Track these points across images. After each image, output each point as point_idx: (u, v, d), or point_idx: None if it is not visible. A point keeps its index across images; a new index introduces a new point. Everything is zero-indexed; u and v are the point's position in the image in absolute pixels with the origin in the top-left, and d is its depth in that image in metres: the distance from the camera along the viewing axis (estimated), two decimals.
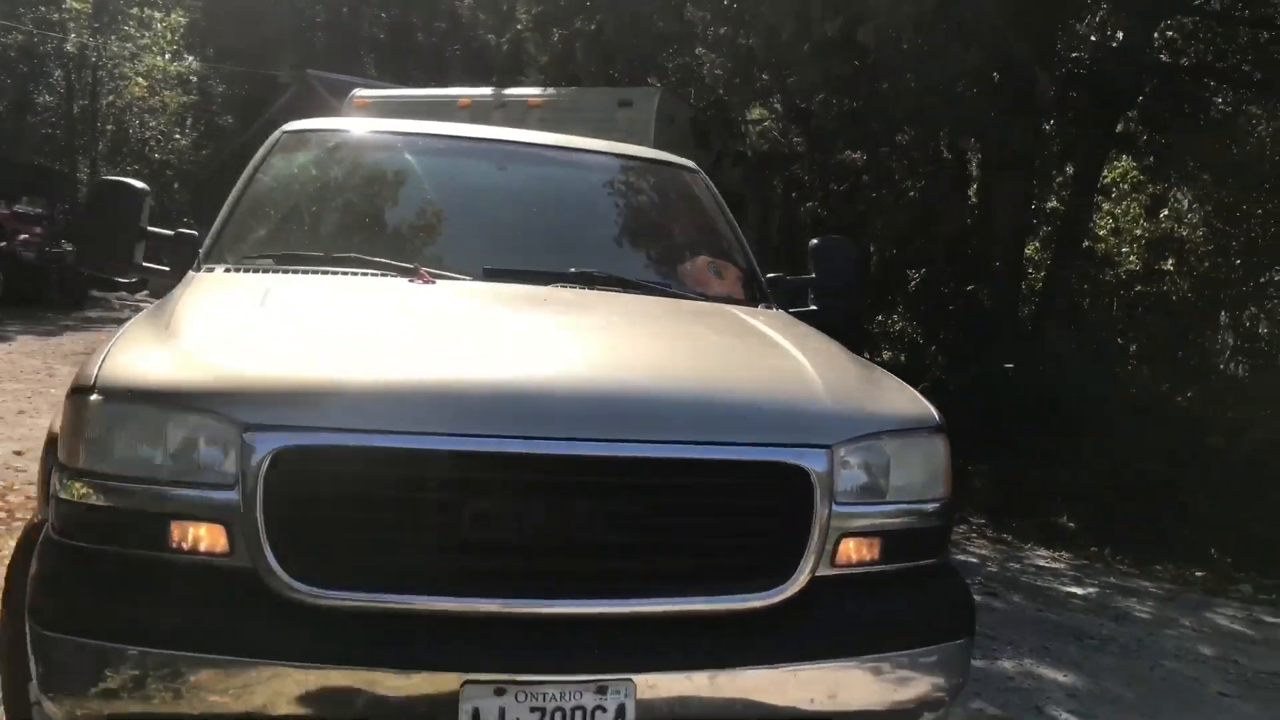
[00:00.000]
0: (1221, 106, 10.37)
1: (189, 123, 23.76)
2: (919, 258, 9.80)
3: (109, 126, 22.86)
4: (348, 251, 3.35)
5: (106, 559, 2.16)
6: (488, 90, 9.77)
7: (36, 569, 2.24)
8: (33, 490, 6.65)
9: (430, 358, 2.40)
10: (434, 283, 3.10)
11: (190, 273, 3.21)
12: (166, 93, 23.63)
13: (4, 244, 17.42)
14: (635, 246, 4.01)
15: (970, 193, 10.09)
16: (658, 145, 9.06)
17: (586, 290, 3.25)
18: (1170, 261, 13.66)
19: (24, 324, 15.40)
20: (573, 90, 9.67)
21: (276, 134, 3.93)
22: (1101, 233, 14.70)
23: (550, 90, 9.76)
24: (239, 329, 2.49)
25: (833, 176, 9.37)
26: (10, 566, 3.02)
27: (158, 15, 22.58)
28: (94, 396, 2.17)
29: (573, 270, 3.32)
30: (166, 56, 23.10)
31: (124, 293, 21.65)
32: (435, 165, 3.96)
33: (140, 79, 22.96)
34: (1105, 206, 14.58)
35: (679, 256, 3.92)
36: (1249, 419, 8.19)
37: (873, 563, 2.41)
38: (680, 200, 4.24)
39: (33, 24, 21.94)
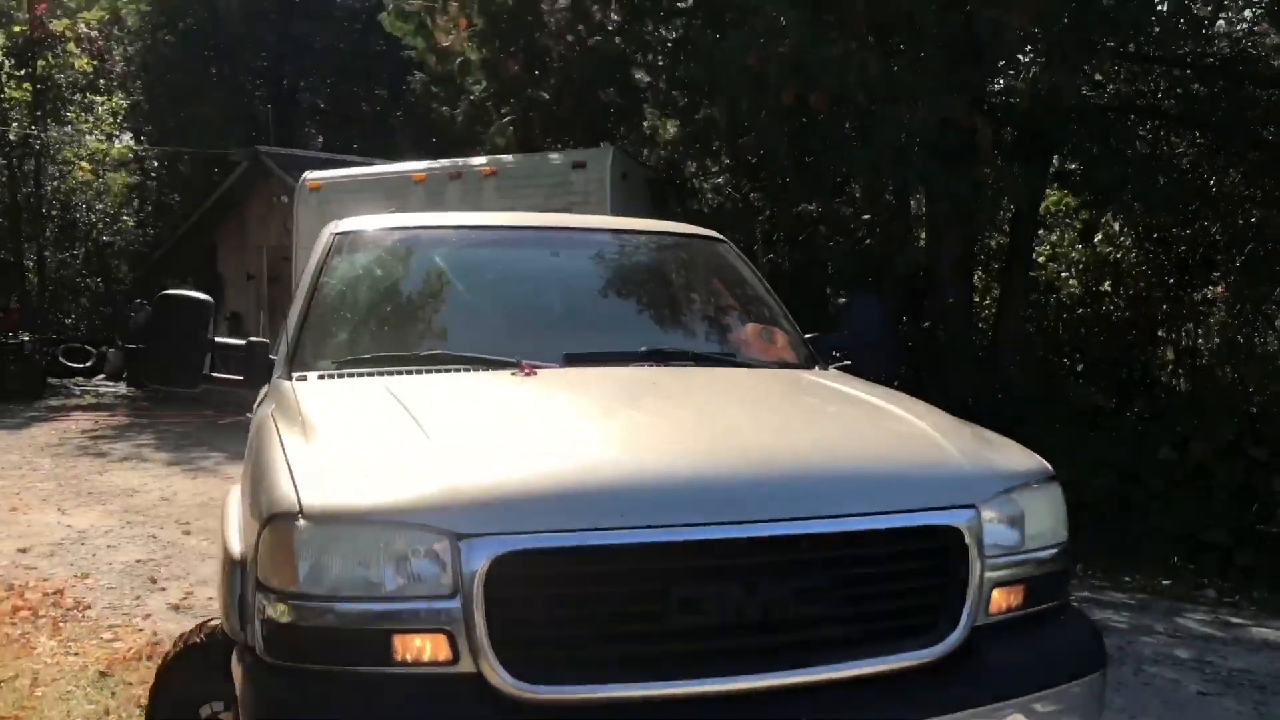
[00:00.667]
0: (1146, 138, 11.06)
1: (135, 203, 23.74)
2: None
3: (54, 212, 22.77)
4: (435, 349, 3.47)
5: (330, 678, 2.20)
6: (440, 162, 9.99)
7: (253, 693, 2.28)
8: (49, 586, 6.86)
9: (609, 452, 2.51)
10: (536, 373, 3.17)
11: (281, 382, 3.26)
12: (110, 174, 23.60)
13: None
14: (691, 320, 4.18)
15: (918, 233, 10.64)
16: (614, 205, 9.10)
17: (673, 368, 3.39)
18: (1108, 283, 14.35)
19: None
20: (524, 157, 9.88)
21: (327, 236, 4.04)
22: (1041, 259, 15.38)
23: (503, 158, 9.88)
24: (411, 439, 2.53)
25: (789, 228, 9.84)
26: (160, 685, 3.25)
27: (99, 99, 22.65)
28: (301, 523, 2.23)
29: (644, 349, 3.47)
30: (108, 139, 23.15)
31: (80, 378, 21.53)
32: (493, 257, 4.12)
33: (84, 163, 22.96)
34: (1041, 233, 15.27)
35: (732, 325, 4.09)
36: (1194, 430, 8.70)
37: (1019, 608, 2.62)
38: (719, 270, 4.38)
39: None
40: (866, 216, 9.90)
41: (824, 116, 7.89)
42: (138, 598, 6.67)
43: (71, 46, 22.75)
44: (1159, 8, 8.60)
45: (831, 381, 3.51)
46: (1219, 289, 12.07)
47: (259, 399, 3.58)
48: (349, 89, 23.78)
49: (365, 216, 4.43)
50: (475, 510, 2.21)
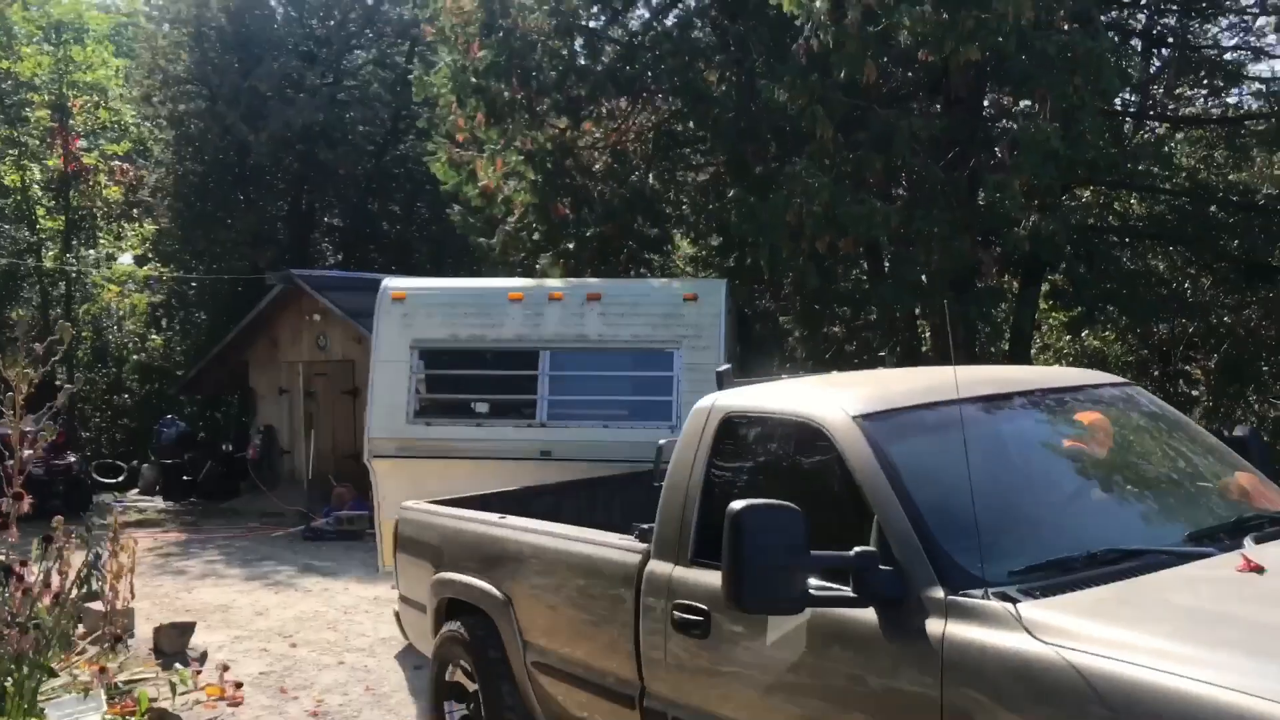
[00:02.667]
0: (1126, 257, 12.44)
1: (163, 323, 24.78)
2: None
3: (84, 334, 23.76)
4: (1094, 548, 3.15)
5: None
6: (539, 282, 9.50)
7: None
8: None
9: None
10: (1262, 568, 2.90)
11: (951, 598, 2.90)
12: (135, 295, 24.58)
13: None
14: (1206, 479, 3.89)
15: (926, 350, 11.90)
16: (725, 341, 8.71)
17: None
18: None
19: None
20: (631, 283, 9.77)
21: (707, 414, 4.09)
22: (1033, 351, 16.69)
23: (608, 283, 9.46)
24: None
25: (815, 347, 11.04)
26: None
27: (129, 226, 23.84)
28: None
29: (1233, 519, 3.41)
30: (136, 261, 24.24)
31: (114, 493, 22.26)
32: (999, 427, 3.88)
33: (112, 285, 23.98)
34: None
35: (1235, 479, 3.84)
36: None
37: None
38: (1163, 419, 4.24)
39: (6, 245, 23.04)
40: (886, 336, 11.07)
41: (851, 259, 9.13)
42: (275, 705, 7.45)
43: (102, 178, 24.04)
44: (1129, 149, 9.99)
45: None
46: (1199, 383, 13.35)
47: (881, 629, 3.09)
48: (365, 208, 25.02)
49: (753, 389, 4.40)
50: None
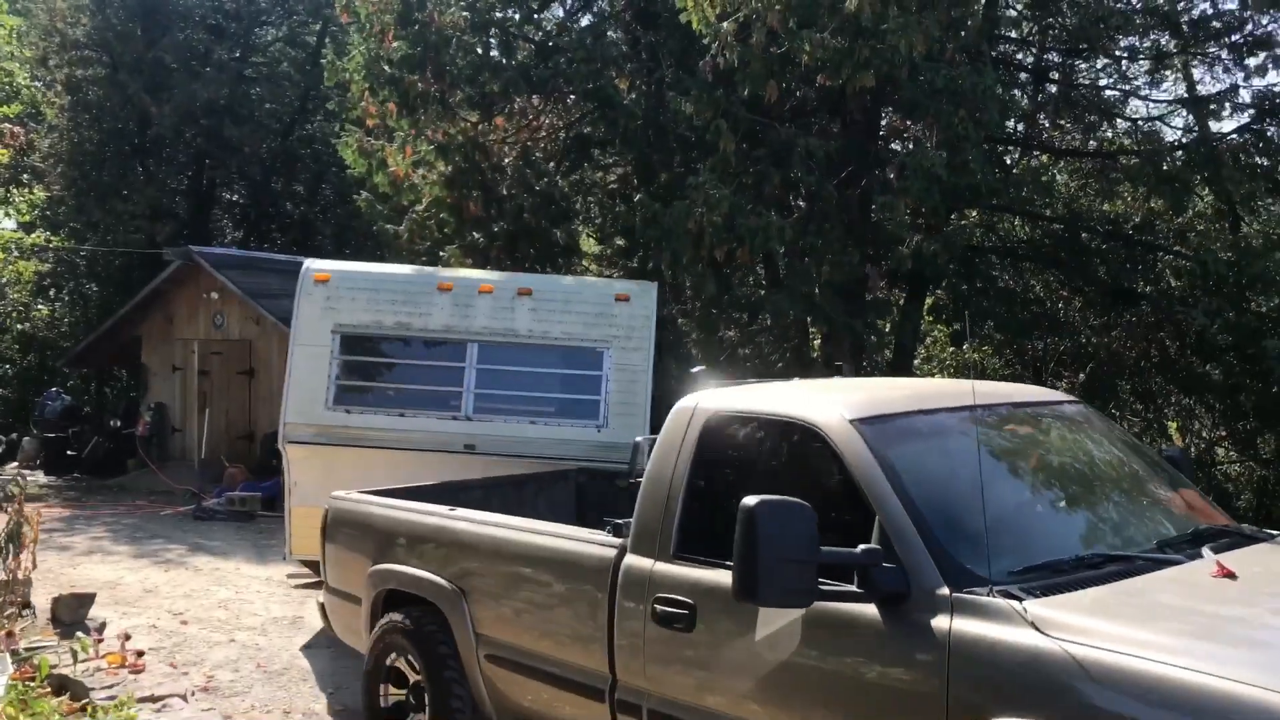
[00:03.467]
0: (1005, 277, 13.21)
1: (51, 293, 24.08)
2: None
3: None
4: (1093, 549, 3.45)
5: None
6: (469, 273, 9.26)
7: None
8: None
9: None
10: (1235, 575, 3.17)
11: (957, 595, 3.07)
12: (20, 262, 23.83)
13: None
14: (1158, 494, 4.20)
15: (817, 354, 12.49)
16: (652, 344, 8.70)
17: (1256, 549, 3.60)
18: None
19: None
20: (565, 280, 9.58)
21: (688, 414, 4.22)
22: (917, 362, 17.47)
23: (540, 278, 9.42)
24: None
25: (713, 351, 11.49)
26: None
27: (18, 192, 23.10)
28: None
29: (1191, 530, 3.72)
30: (19, 229, 23.48)
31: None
32: (1017, 440, 4.07)
33: None
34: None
35: (1171, 494, 4.16)
36: None
37: None
38: (1108, 436, 4.49)
39: None
40: (778, 343, 11.60)
41: (747, 267, 9.59)
42: (173, 674, 7.42)
43: None
44: (1012, 176, 10.66)
45: None
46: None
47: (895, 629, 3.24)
48: (268, 187, 24.69)
49: (734, 389, 4.57)
50: None
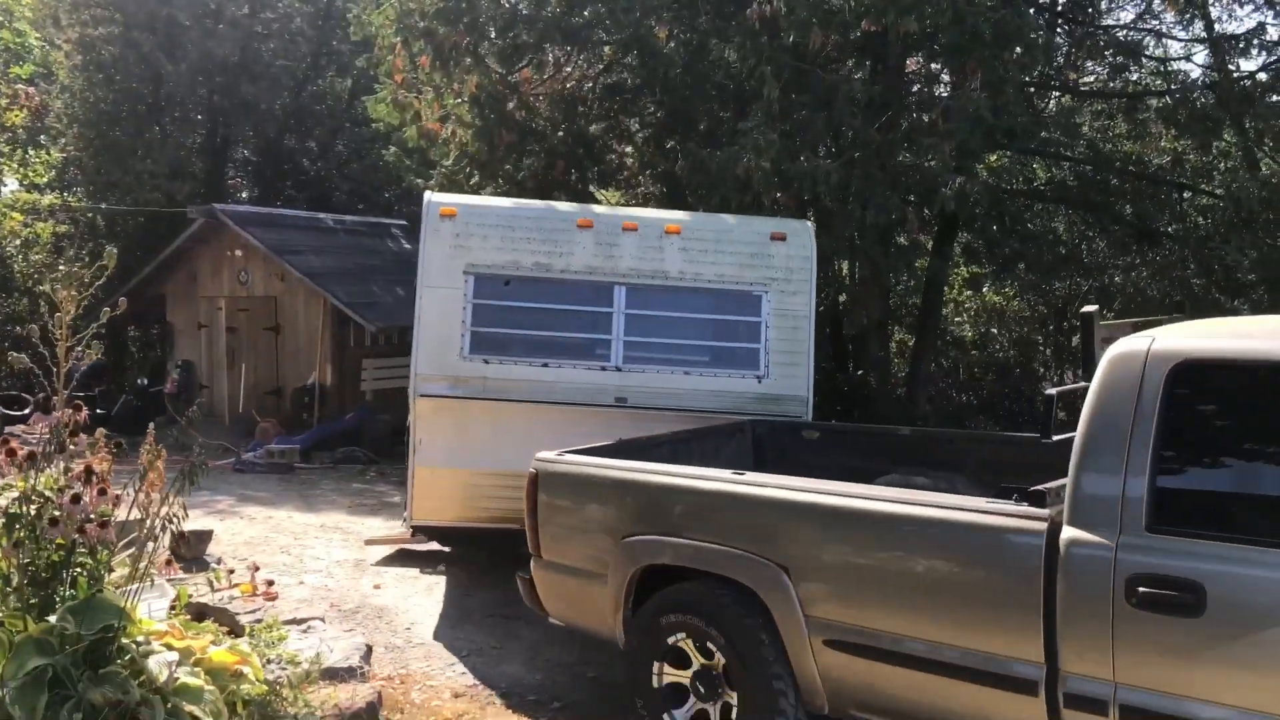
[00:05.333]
0: (1033, 219, 13.43)
1: (71, 254, 24.18)
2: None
3: None
4: None
5: None
6: (610, 210, 8.53)
7: None
8: None
9: None
10: None
11: None
12: (39, 224, 23.94)
13: None
14: None
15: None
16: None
17: None
18: (995, 327, 16.76)
19: None
20: (715, 218, 8.69)
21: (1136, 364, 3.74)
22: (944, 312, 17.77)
23: (691, 216, 8.59)
24: None
25: None
26: None
27: (35, 153, 23.12)
28: None
29: None
30: (35, 189, 23.53)
31: (21, 426, 21.82)
32: None
33: (15, 213, 23.31)
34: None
35: None
36: None
37: None
38: None
39: None
40: None
41: (789, 210, 9.79)
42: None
43: (4, 102, 23.19)
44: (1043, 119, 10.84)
45: None
46: None
47: None
48: (281, 144, 24.73)
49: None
50: None
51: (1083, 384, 4.11)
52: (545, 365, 7.65)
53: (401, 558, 9.59)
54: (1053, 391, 4.23)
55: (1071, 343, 14.94)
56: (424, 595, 8.46)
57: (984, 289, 16.46)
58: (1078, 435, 3.82)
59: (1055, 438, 4.06)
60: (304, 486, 14.20)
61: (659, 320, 7.79)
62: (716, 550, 4.66)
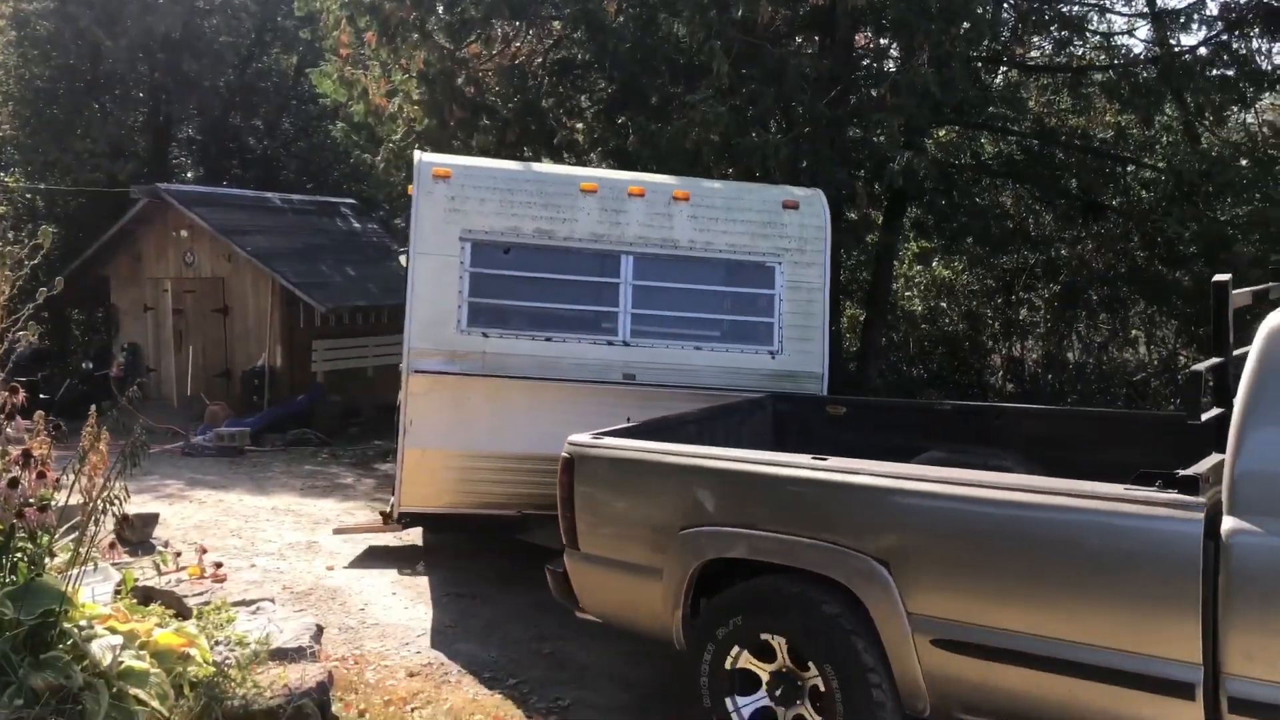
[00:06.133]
0: (980, 193, 13.57)
1: (10, 235, 23.64)
2: None
3: None
4: None
5: None
6: (614, 174, 8.00)
7: None
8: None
9: None
10: None
11: None
12: None
13: None
14: None
15: None
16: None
17: None
18: (944, 301, 16.93)
19: None
20: (727, 185, 8.23)
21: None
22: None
23: (701, 182, 8.10)
24: None
25: None
26: None
27: None
28: None
29: None
30: None
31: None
32: None
33: None
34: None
35: None
36: None
37: None
38: None
39: None
40: None
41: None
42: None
43: None
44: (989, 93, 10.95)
45: None
46: (1038, 310, 14.75)
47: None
48: (226, 122, 24.30)
49: None
50: None
51: (1215, 359, 3.91)
52: (549, 339, 7.23)
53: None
54: (1201, 368, 3.81)
55: (1019, 316, 15.16)
56: (378, 576, 8.41)
57: (933, 263, 16.60)
58: (1236, 414, 3.57)
59: (1203, 417, 3.80)
60: (255, 469, 14.05)
61: (668, 292, 7.40)
62: (802, 544, 4.32)
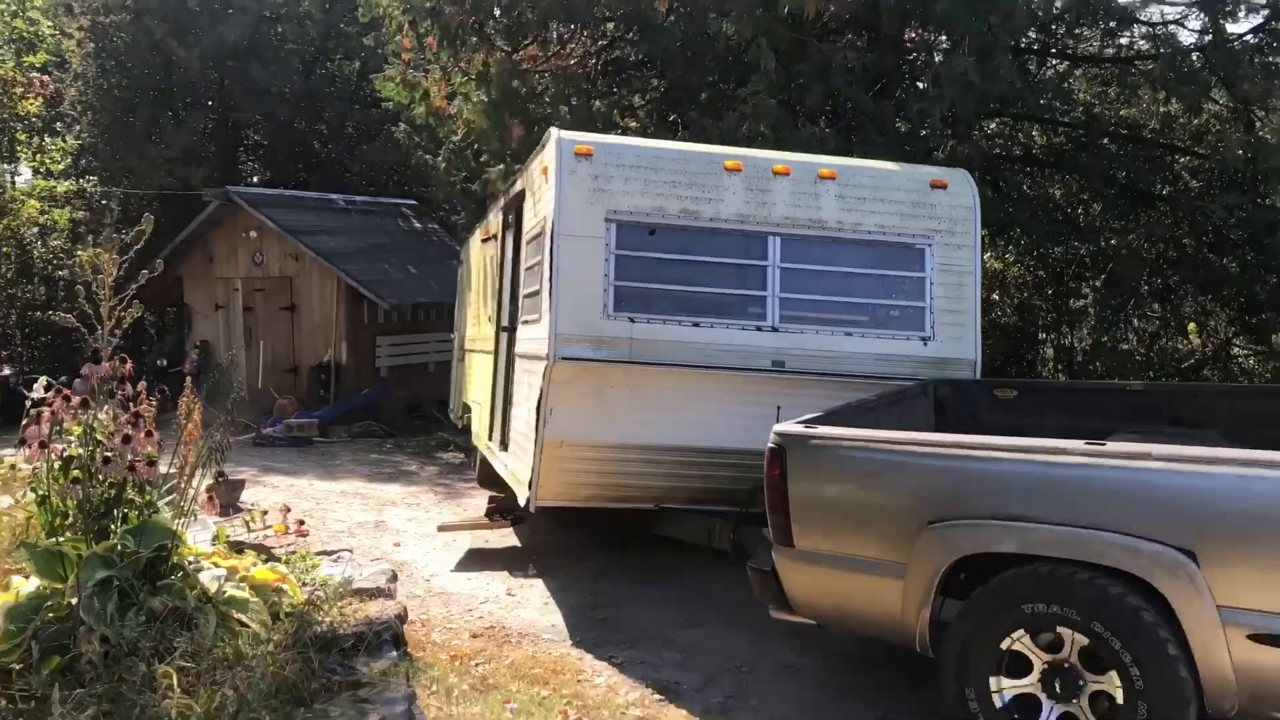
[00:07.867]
0: (1027, 183, 13.72)
1: (89, 239, 24.64)
2: None
3: (6, 249, 23.53)
4: None
5: None
6: (758, 153, 7.61)
7: None
8: None
9: None
10: None
11: None
12: (55, 211, 24.37)
13: None
14: None
15: None
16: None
17: None
18: (995, 293, 17.02)
19: None
20: (871, 165, 7.71)
21: None
22: None
23: (847, 162, 7.64)
24: None
25: None
26: None
27: (51, 141, 23.55)
28: None
29: None
30: (50, 176, 23.96)
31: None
32: None
33: (33, 200, 23.73)
34: None
35: None
36: None
37: None
38: None
39: None
40: None
41: None
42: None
43: (19, 90, 23.60)
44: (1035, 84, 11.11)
45: None
46: (1086, 299, 14.81)
47: None
48: (292, 126, 25.08)
49: None
50: None
51: None
52: (696, 325, 6.83)
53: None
54: None
55: (1070, 304, 15.23)
56: (443, 550, 8.88)
57: (984, 255, 16.69)
58: None
59: None
60: (324, 458, 14.63)
61: (817, 275, 7.04)
62: (1088, 536, 4.02)
